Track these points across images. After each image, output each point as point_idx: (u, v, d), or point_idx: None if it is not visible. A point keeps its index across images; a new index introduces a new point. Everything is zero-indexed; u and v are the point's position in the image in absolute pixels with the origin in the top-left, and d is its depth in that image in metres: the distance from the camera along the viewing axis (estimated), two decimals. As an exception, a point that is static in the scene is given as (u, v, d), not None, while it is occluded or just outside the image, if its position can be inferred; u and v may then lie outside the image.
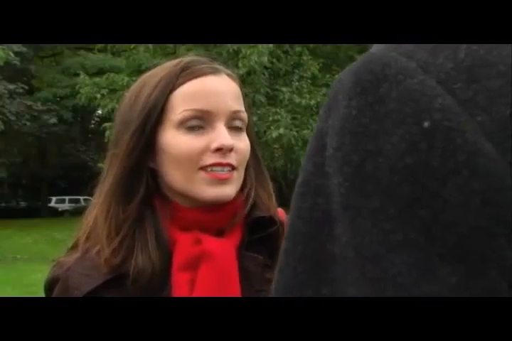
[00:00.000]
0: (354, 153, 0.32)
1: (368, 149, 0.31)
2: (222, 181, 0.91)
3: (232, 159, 0.91)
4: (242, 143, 0.94)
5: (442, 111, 0.30)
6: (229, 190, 0.92)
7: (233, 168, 0.92)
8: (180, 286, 0.89)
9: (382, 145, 0.31)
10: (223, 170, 0.91)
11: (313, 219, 0.34)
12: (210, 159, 0.90)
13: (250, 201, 0.97)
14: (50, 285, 0.96)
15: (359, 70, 0.34)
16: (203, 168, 0.91)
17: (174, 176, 0.93)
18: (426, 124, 0.30)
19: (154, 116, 0.92)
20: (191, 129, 0.92)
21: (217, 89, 0.93)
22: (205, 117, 0.92)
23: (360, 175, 0.31)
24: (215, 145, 0.90)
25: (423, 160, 0.29)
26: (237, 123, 0.95)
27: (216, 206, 0.93)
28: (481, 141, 0.29)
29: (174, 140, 0.92)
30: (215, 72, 0.94)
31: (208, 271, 0.90)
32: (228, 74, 0.96)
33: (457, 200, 0.29)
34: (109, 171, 0.95)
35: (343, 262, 0.31)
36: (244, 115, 0.96)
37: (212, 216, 0.94)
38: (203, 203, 0.93)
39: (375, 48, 0.36)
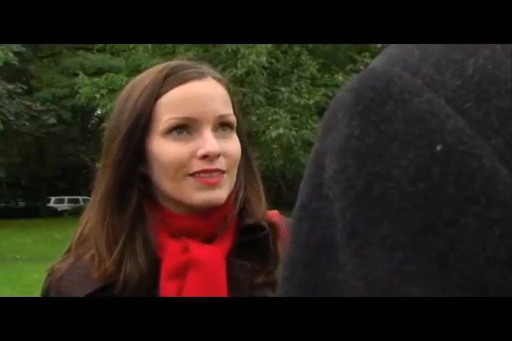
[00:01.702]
0: (359, 175, 0.30)
1: (374, 172, 0.29)
2: (212, 186, 0.90)
3: (220, 164, 0.90)
4: (232, 146, 0.93)
5: (455, 133, 0.28)
6: (219, 194, 0.91)
7: (222, 171, 0.91)
8: (168, 294, 0.89)
9: (390, 169, 0.29)
10: (211, 176, 0.90)
11: (311, 245, 0.32)
12: (197, 166, 0.90)
13: (239, 203, 0.96)
14: (46, 295, 0.97)
15: (359, 87, 0.32)
16: (191, 175, 0.90)
17: (164, 183, 0.92)
18: (438, 148, 0.28)
19: (141, 125, 0.92)
20: (178, 137, 0.91)
21: (201, 94, 0.92)
22: (191, 124, 0.91)
23: (366, 199, 0.29)
24: (201, 152, 0.89)
25: (436, 186, 0.28)
26: (225, 127, 0.94)
27: (206, 212, 0.93)
28: (498, 166, 0.28)
29: (161, 148, 0.91)
30: (200, 76, 0.93)
31: (196, 278, 0.90)
32: (215, 78, 0.95)
33: (475, 229, 0.27)
34: (101, 180, 0.95)
35: (349, 292, 0.30)
36: (233, 118, 0.95)
37: (201, 223, 0.93)
38: (194, 208, 0.92)
39: (376, 63, 0.33)
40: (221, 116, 0.93)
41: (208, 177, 0.90)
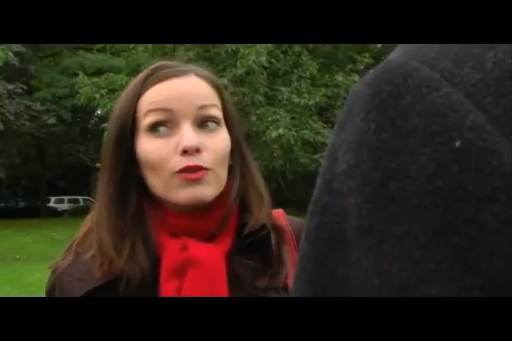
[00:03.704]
0: (375, 171, 0.29)
1: (391, 168, 0.29)
2: (195, 181, 0.89)
3: (200, 160, 0.90)
4: (217, 141, 0.93)
5: (474, 129, 0.28)
6: (203, 190, 0.90)
7: (206, 168, 0.90)
8: (168, 293, 0.89)
9: (407, 165, 0.28)
10: (194, 171, 0.89)
11: (320, 240, 0.31)
12: (179, 163, 0.89)
13: (234, 200, 0.95)
14: (50, 293, 0.97)
15: (376, 80, 0.31)
16: (176, 173, 0.90)
17: (153, 182, 0.93)
18: (457, 144, 0.27)
19: (128, 127, 0.93)
20: (158, 134, 0.92)
21: (179, 89, 0.93)
22: (171, 119, 0.91)
23: (383, 196, 0.29)
24: (179, 148, 0.90)
25: (455, 184, 0.27)
26: (209, 122, 0.93)
27: (204, 211, 0.93)
28: None
29: (145, 146, 0.92)
30: (179, 74, 0.94)
31: (195, 277, 0.90)
32: (198, 75, 0.95)
33: (494, 228, 0.26)
34: (100, 185, 0.96)
35: (363, 289, 0.29)
36: (216, 112, 0.94)
37: (200, 221, 0.93)
38: (183, 207, 0.92)
39: (392, 56, 0.33)
40: (201, 108, 0.92)
41: (190, 172, 0.90)
